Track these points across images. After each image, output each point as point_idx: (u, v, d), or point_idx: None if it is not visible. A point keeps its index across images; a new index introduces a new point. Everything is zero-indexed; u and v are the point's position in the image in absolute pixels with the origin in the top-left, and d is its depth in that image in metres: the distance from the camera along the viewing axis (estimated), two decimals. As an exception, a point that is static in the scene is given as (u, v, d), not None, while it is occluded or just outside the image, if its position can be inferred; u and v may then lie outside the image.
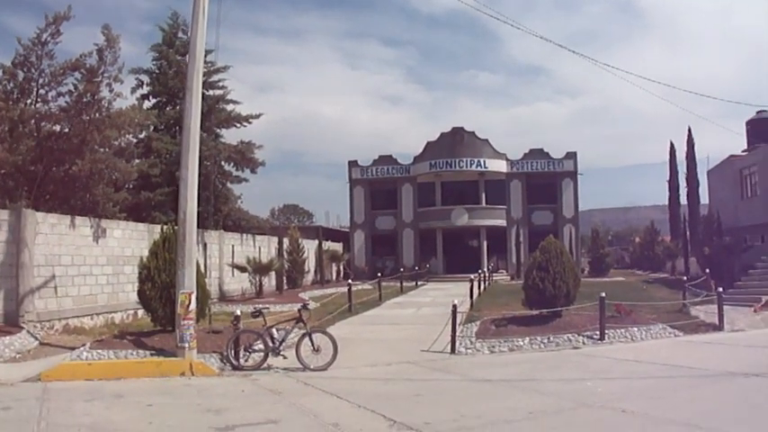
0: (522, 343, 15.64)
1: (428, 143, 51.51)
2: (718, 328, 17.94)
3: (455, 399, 10.36)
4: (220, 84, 41.84)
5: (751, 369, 11.89)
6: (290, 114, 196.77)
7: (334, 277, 47.00)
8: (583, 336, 16.03)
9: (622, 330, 16.50)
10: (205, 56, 17.57)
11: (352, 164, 53.54)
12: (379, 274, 32.68)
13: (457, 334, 15.60)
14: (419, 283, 40.43)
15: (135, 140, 32.59)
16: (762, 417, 8.71)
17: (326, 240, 47.88)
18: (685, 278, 26.05)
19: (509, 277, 45.59)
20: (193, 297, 13.50)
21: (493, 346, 15.52)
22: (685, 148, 43.51)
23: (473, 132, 50.47)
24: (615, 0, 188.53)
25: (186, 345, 13.16)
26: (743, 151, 36.18)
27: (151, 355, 13.67)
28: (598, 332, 16.02)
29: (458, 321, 16.02)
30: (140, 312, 19.05)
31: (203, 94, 19.66)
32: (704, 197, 42.04)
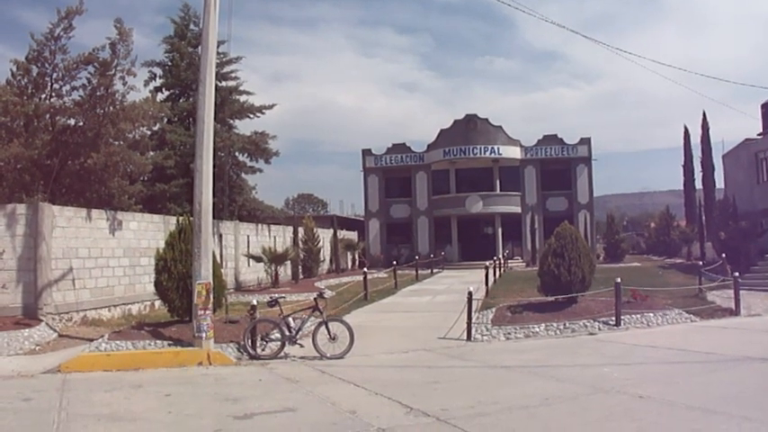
0: (537, 329, 15.65)
1: (442, 130, 51.32)
2: (735, 312, 17.88)
3: (471, 385, 10.41)
4: (233, 75, 42.04)
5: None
6: (304, 104, 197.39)
7: (349, 266, 47.01)
8: (599, 322, 16.01)
9: (638, 316, 16.48)
10: (217, 47, 17.60)
11: (366, 152, 53.43)
12: (395, 263, 32.67)
13: (473, 321, 15.64)
14: (434, 270, 40.39)
15: (149, 133, 32.73)
16: (778, 400, 8.72)
17: (341, 229, 47.93)
18: (701, 263, 25.95)
19: (524, 264, 45.56)
20: (210, 287, 13.58)
21: (509, 333, 15.53)
22: (700, 132, 43.23)
23: (486, 119, 50.25)
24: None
25: (203, 335, 13.24)
26: (758, 134, 35.83)
27: (169, 345, 13.75)
28: (614, 318, 16.00)
29: (473, 308, 16.05)
30: (157, 303, 19.21)
31: (216, 85, 19.58)
32: (719, 181, 41.72)
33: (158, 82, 40.85)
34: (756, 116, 36.73)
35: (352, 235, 51.12)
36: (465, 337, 15.11)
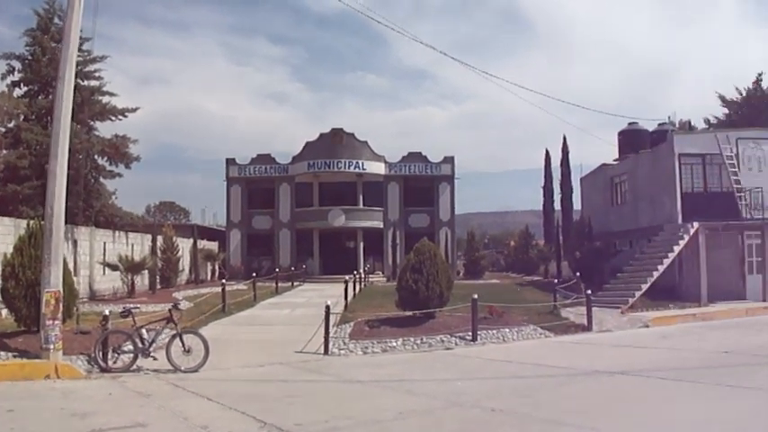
0: (395, 344, 15.81)
1: (307, 143, 51.24)
2: (587, 328, 18.76)
3: (327, 400, 10.41)
4: (97, 74, 40.53)
5: (615, 368, 12.52)
6: (172, 108, 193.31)
7: (209, 277, 46.30)
8: (455, 337, 16.36)
9: (494, 331, 16.94)
10: (81, 44, 17.01)
11: (230, 162, 52.67)
12: (255, 274, 32.31)
13: (330, 335, 15.66)
14: (295, 283, 40.21)
15: (3, 130, 31.23)
16: (622, 411, 9.21)
17: (202, 239, 47.24)
18: (557, 281, 26.91)
19: (385, 279, 46.01)
20: (60, 296, 13.05)
21: (366, 347, 15.65)
22: (560, 156, 45.09)
23: (352, 134, 50.55)
24: (502, 10, 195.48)
25: (51, 346, 12.69)
26: (614, 160, 37.52)
27: (14, 356, 13.11)
28: (471, 333, 16.41)
29: (332, 322, 16.09)
30: (4, 312, 18.26)
31: (78, 84, 18.83)
32: (577, 203, 43.43)
33: (17, 76, 38.87)
34: (614, 143, 38.44)
35: (213, 245, 50.40)
36: (322, 351, 15.11)
